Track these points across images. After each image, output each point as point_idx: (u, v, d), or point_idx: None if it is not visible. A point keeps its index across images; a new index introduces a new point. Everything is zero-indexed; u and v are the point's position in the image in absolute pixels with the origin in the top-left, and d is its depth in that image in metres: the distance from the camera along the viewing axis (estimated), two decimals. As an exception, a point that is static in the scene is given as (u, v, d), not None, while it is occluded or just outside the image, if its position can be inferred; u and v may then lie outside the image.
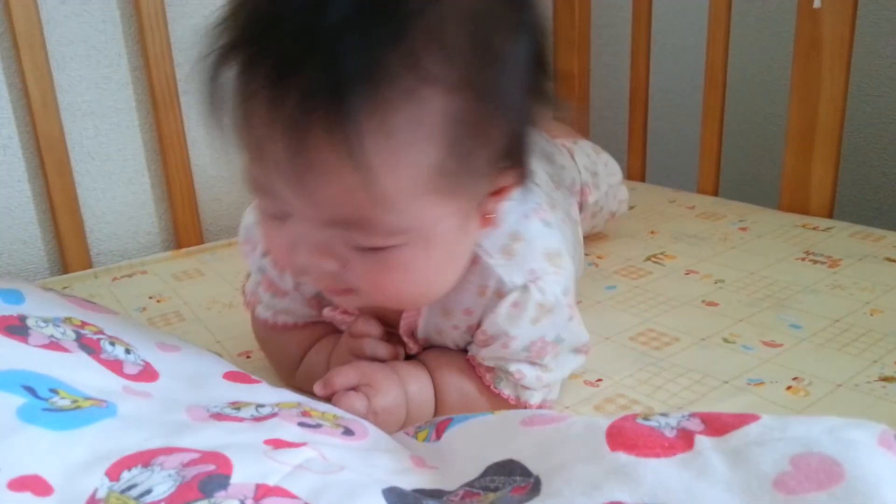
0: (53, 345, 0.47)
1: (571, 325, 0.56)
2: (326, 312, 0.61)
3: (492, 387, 0.56)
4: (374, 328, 0.58)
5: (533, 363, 0.56)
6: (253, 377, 0.55)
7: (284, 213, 0.46)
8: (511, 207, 0.54)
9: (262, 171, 0.44)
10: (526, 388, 0.56)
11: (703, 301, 0.78)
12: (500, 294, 0.54)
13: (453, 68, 0.41)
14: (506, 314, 0.53)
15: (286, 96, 0.39)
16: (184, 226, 1.05)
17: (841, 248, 0.90)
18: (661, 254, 0.93)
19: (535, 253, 0.54)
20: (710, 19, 1.10)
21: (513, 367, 0.55)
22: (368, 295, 0.48)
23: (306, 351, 0.63)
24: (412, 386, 0.56)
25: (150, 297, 0.88)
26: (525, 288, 0.53)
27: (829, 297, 0.77)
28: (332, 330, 0.63)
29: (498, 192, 0.49)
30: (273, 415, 0.44)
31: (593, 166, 0.91)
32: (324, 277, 0.48)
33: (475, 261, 0.54)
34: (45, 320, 0.51)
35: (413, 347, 0.60)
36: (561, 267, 0.55)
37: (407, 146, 0.41)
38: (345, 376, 0.55)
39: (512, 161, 0.47)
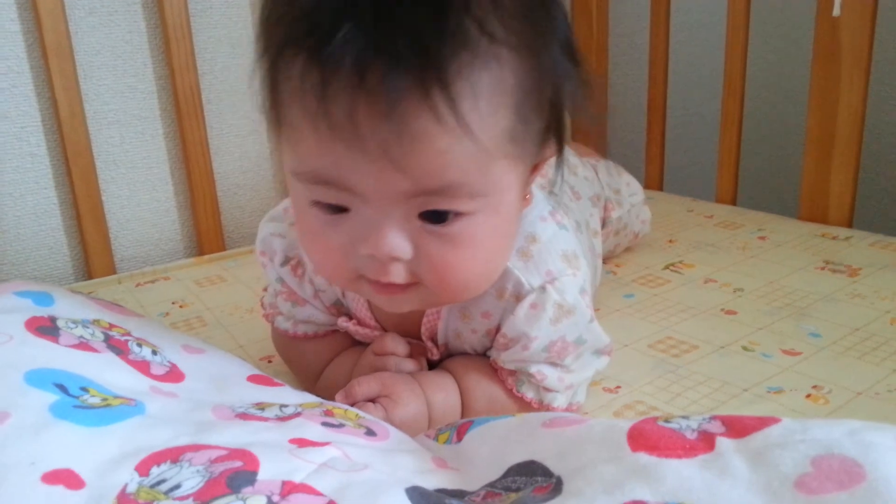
0: (83, 345, 0.49)
1: (593, 326, 0.56)
2: (341, 322, 0.61)
3: (514, 390, 0.57)
4: (401, 346, 0.58)
5: (554, 364, 0.56)
6: (276, 380, 0.55)
7: (346, 204, 0.45)
8: (528, 210, 0.55)
9: (335, 155, 0.43)
10: (548, 389, 0.57)
11: (722, 309, 0.78)
12: (519, 297, 0.54)
13: (513, 32, 0.43)
14: (524, 316, 0.54)
15: (375, 66, 0.40)
16: (206, 233, 1.07)
17: (860, 257, 0.90)
18: (680, 262, 0.93)
19: (551, 254, 0.54)
20: (728, 28, 1.10)
21: (533, 369, 0.56)
22: (433, 282, 0.48)
23: (327, 362, 0.64)
24: (437, 395, 0.56)
25: (173, 303, 0.89)
26: (543, 289, 0.54)
27: (849, 306, 0.77)
28: (353, 341, 0.64)
29: (534, 168, 0.51)
30: (297, 414, 0.44)
31: (616, 184, 0.92)
32: (390, 268, 0.47)
33: None
34: (75, 321, 0.52)
35: (435, 353, 0.60)
36: (578, 268, 0.55)
37: (490, 106, 0.43)
38: (366, 386, 0.55)
39: (553, 132, 0.49)
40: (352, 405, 0.54)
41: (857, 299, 0.78)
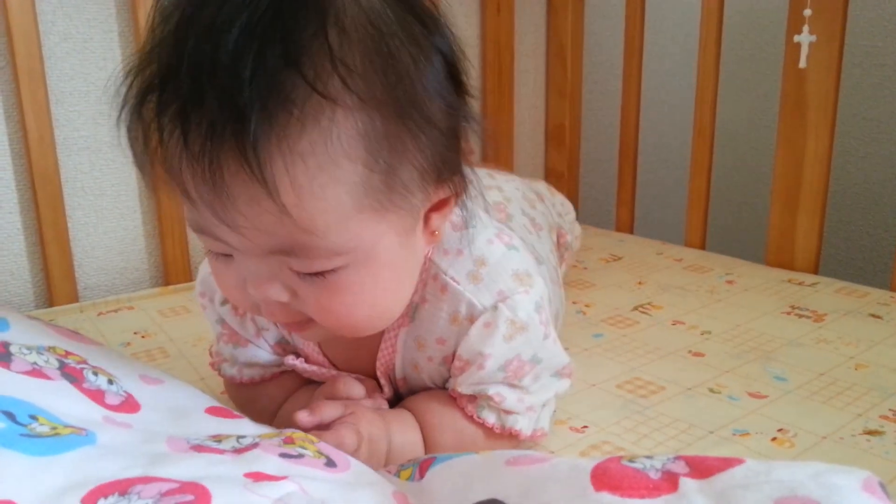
0: (36, 372, 0.47)
1: (547, 343, 0.56)
2: (289, 361, 0.60)
3: (475, 416, 0.56)
4: (356, 389, 0.57)
5: (512, 385, 0.55)
6: (235, 412, 0.54)
7: (227, 252, 0.46)
8: (474, 234, 0.55)
9: (194, 210, 0.44)
10: (508, 412, 0.56)
11: (690, 351, 0.79)
12: (472, 318, 0.54)
13: (355, 87, 0.41)
14: (478, 335, 0.53)
15: (195, 131, 0.39)
16: (173, 262, 1.05)
17: (826, 303, 0.91)
18: (649, 304, 0.93)
19: (502, 275, 0.54)
20: (698, 76, 1.13)
21: (491, 391, 0.55)
22: (322, 322, 0.48)
23: (279, 405, 0.62)
24: (396, 437, 0.55)
25: (135, 333, 0.87)
26: (495, 308, 0.53)
27: (815, 351, 0.78)
28: (303, 381, 0.62)
29: (438, 207, 0.50)
30: (254, 445, 0.43)
31: (557, 206, 0.93)
32: (277, 311, 0.48)
33: (444, 288, 0.54)
34: (29, 348, 0.50)
35: (387, 391, 0.59)
36: (531, 286, 0.55)
37: (322, 167, 0.41)
38: (331, 408, 0.54)
39: (443, 174, 0.47)
40: (317, 423, 0.52)
41: (822, 344, 0.79)
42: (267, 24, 0.39)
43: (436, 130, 0.45)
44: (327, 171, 0.41)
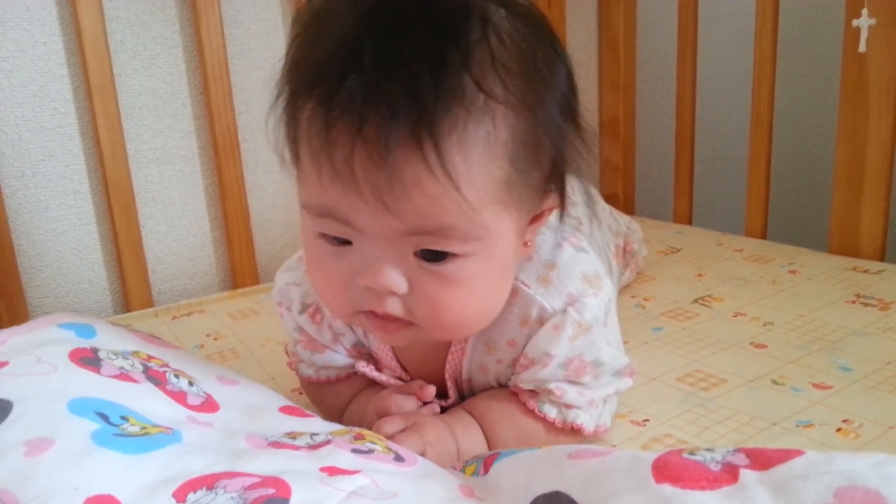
0: (123, 375, 0.50)
1: (610, 347, 0.57)
2: (359, 367, 0.63)
3: (536, 410, 0.57)
4: (408, 404, 0.59)
5: (572, 382, 0.57)
6: (307, 411, 0.57)
7: (349, 237, 0.48)
8: (544, 239, 0.57)
9: (335, 193, 0.46)
10: (569, 406, 0.57)
11: (752, 343, 0.78)
12: (542, 321, 0.56)
13: (512, 89, 0.45)
14: (546, 336, 0.55)
15: (372, 117, 0.43)
16: (240, 267, 1.09)
17: (892, 290, 0.89)
18: (709, 296, 0.93)
19: (571, 277, 0.56)
20: (755, 62, 1.11)
21: (552, 385, 0.56)
22: (429, 318, 0.50)
23: (347, 403, 0.65)
24: (461, 436, 0.57)
25: (208, 335, 0.91)
26: (564, 311, 0.55)
27: (881, 340, 0.76)
28: (369, 382, 0.65)
29: (537, 218, 0.52)
30: (327, 442, 0.46)
31: (626, 222, 0.97)
32: (383, 303, 0.49)
33: (515, 292, 0.55)
34: (115, 353, 0.54)
35: (453, 395, 0.61)
36: (599, 288, 0.56)
37: (482, 158, 0.45)
38: (391, 423, 0.56)
39: (554, 184, 0.51)
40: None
41: (888, 333, 0.78)
42: (442, 29, 0.44)
43: (559, 140, 0.49)
44: (484, 162, 0.45)
